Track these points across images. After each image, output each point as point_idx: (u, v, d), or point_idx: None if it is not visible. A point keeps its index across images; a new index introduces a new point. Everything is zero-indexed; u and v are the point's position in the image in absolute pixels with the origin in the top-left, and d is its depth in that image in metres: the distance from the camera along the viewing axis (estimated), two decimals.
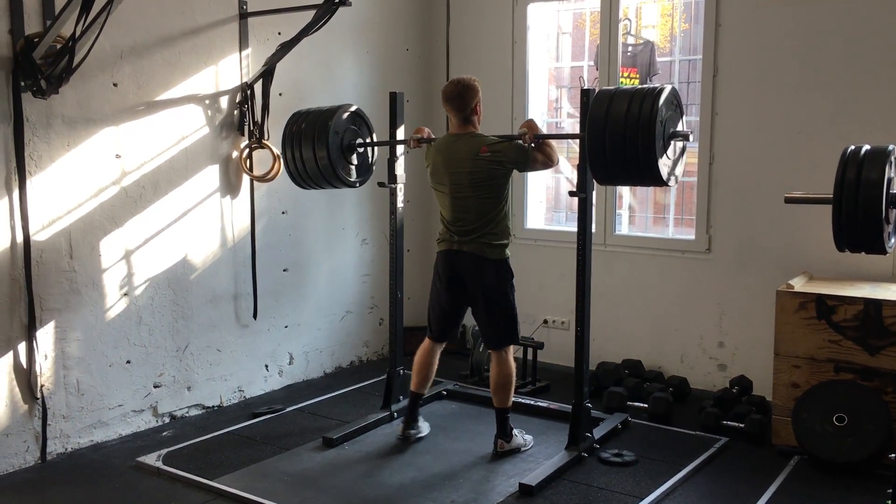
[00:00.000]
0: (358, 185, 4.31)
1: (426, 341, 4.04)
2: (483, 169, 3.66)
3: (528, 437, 3.93)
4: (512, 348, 3.89)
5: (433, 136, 4.05)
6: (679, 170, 3.47)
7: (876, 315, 3.72)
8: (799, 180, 4.31)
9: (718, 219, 4.75)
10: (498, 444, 3.82)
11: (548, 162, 3.77)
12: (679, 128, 3.40)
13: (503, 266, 3.78)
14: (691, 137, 3.41)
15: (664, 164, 3.30)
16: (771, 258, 4.57)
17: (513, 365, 3.84)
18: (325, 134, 4.02)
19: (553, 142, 3.85)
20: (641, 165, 3.25)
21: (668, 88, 3.29)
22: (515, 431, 3.87)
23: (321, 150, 4.02)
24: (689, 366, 4.92)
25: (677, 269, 4.89)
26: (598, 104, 3.34)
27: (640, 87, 3.42)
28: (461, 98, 3.71)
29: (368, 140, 4.26)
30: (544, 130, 5.55)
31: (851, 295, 3.82)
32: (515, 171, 3.83)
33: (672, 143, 3.36)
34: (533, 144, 3.69)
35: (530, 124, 3.75)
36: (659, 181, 3.32)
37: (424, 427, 4.08)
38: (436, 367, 4.06)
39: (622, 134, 3.24)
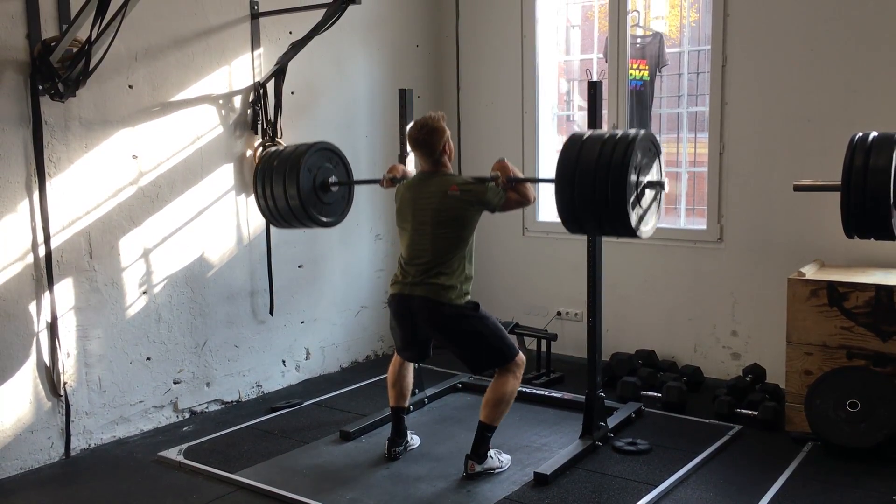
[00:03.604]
0: (332, 224, 4.05)
1: (396, 357, 3.83)
2: (450, 207, 3.46)
3: (505, 458, 3.66)
4: (521, 364, 3.61)
5: (408, 175, 3.84)
6: (652, 222, 3.21)
7: (888, 301, 3.73)
8: (809, 168, 4.31)
9: (730, 208, 4.76)
10: (468, 466, 3.53)
11: (522, 201, 3.59)
12: (654, 175, 3.17)
13: (462, 310, 3.49)
14: (666, 186, 3.19)
15: (636, 215, 3.07)
16: (782, 246, 4.58)
17: (515, 386, 3.55)
18: (296, 172, 3.75)
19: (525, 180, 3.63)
20: (612, 215, 3.02)
21: (642, 134, 3.07)
22: (492, 452, 3.58)
23: (292, 188, 3.76)
24: (702, 355, 4.94)
25: (689, 259, 4.91)
26: (568, 148, 3.13)
27: (613, 132, 3.12)
28: (427, 144, 3.54)
29: (344, 178, 4.02)
30: (554, 124, 5.62)
31: (863, 281, 3.84)
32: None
33: (646, 191, 3.13)
34: (504, 186, 3.52)
35: (503, 165, 3.54)
36: (630, 233, 3.07)
37: (414, 440, 3.90)
38: (411, 377, 3.90)
39: (592, 182, 3.01)
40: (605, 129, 3.15)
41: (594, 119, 3.78)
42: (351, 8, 3.97)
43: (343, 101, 5.14)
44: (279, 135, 4.59)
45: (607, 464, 3.69)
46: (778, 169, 4.54)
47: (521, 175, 3.63)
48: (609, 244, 4.39)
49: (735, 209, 4.75)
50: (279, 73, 4.50)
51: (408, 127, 4.02)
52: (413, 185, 3.66)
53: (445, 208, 3.48)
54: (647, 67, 5.23)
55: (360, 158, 5.27)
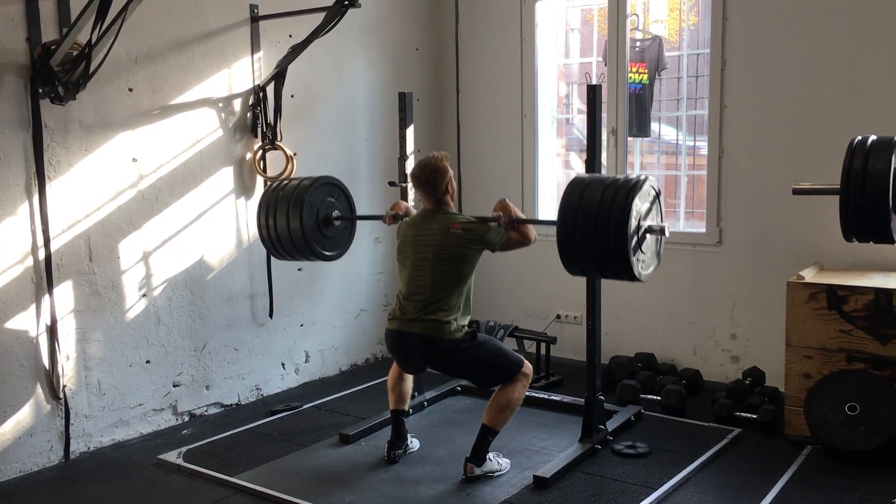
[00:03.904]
0: (335, 258, 4.13)
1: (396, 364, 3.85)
2: (451, 245, 3.50)
3: (505, 461, 3.66)
4: (529, 373, 3.62)
5: (411, 213, 3.90)
6: (652, 267, 3.27)
7: (887, 304, 3.74)
8: (808, 171, 4.33)
9: (729, 211, 4.77)
10: (468, 469, 3.53)
11: (523, 241, 3.63)
12: (655, 220, 3.23)
13: (459, 343, 3.48)
14: (667, 233, 3.22)
15: (638, 260, 3.12)
16: (782, 249, 4.59)
17: (522, 394, 3.58)
18: (299, 207, 3.83)
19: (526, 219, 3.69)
20: (613, 260, 3.08)
21: (645, 179, 3.13)
22: (491, 455, 3.59)
23: (295, 222, 3.83)
24: (701, 358, 4.94)
25: (689, 263, 4.91)
26: (571, 192, 3.18)
27: (616, 176, 3.19)
28: (430, 184, 3.58)
29: (347, 211, 4.11)
30: (554, 127, 5.62)
31: (862, 285, 3.84)
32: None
33: (647, 236, 3.18)
34: (506, 227, 3.57)
35: (504, 206, 3.61)
36: (631, 278, 3.13)
37: (414, 443, 3.90)
38: (411, 381, 3.94)
39: (593, 228, 3.06)
40: (606, 173, 3.18)
41: (594, 123, 3.79)
42: (350, 11, 3.97)
43: (343, 104, 5.15)
44: (279, 138, 4.60)
45: (607, 467, 3.69)
46: (777, 172, 4.55)
47: (522, 216, 3.68)
48: None
49: (734, 212, 4.75)
50: (279, 77, 4.50)
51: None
52: (415, 222, 3.69)
53: (447, 245, 3.51)
54: (646, 71, 5.24)
55: (360, 162, 5.28)
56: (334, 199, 4.05)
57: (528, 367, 3.63)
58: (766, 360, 4.59)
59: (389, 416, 3.89)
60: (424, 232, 3.59)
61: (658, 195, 3.27)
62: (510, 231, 3.59)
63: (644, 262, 3.19)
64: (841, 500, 3.34)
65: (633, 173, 3.13)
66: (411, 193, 4.42)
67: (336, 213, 4.03)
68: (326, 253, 4.04)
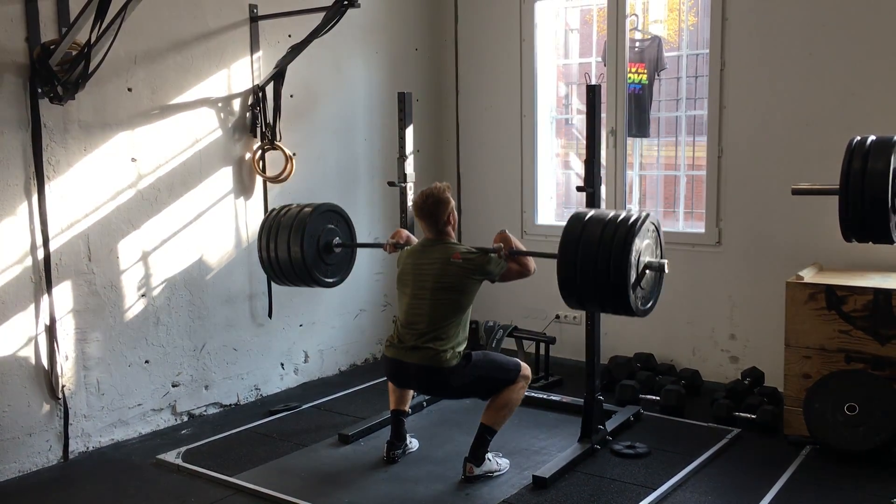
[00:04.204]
0: (336, 284, 4.15)
1: None
2: (452, 274, 3.51)
3: (504, 461, 3.68)
4: (528, 375, 3.65)
5: (411, 241, 3.92)
6: (652, 301, 3.32)
7: (886, 305, 3.74)
8: (807, 172, 4.33)
9: (728, 212, 4.77)
10: (467, 468, 3.55)
11: (523, 272, 3.65)
12: (655, 256, 3.27)
13: (455, 370, 3.48)
14: (667, 268, 3.25)
15: (637, 297, 3.16)
16: (781, 250, 4.59)
17: (521, 395, 3.63)
18: (300, 235, 3.85)
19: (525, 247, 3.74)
20: (612, 295, 3.12)
21: (645, 216, 3.17)
22: (489, 455, 3.60)
23: (296, 248, 3.85)
24: (701, 358, 4.94)
25: (688, 263, 4.91)
26: (571, 226, 3.22)
27: (616, 212, 3.23)
28: (432, 214, 3.60)
29: (347, 238, 4.14)
30: (553, 127, 5.62)
31: (861, 285, 3.84)
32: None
33: (647, 272, 3.21)
34: (506, 258, 3.59)
35: (504, 237, 3.64)
36: (631, 313, 3.19)
37: (413, 443, 3.91)
38: None
39: (593, 265, 3.10)
40: (604, 208, 3.24)
41: (593, 123, 3.80)
42: (350, 11, 3.97)
43: (342, 104, 5.15)
44: (278, 138, 4.59)
45: (606, 467, 3.69)
46: (776, 172, 4.55)
47: (522, 247, 3.69)
48: None
49: (733, 213, 4.75)
50: (278, 77, 4.50)
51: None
52: (416, 251, 3.70)
53: (446, 275, 3.52)
54: (645, 71, 5.24)
55: (359, 162, 5.28)
56: (334, 226, 4.08)
57: (525, 368, 3.65)
58: (766, 361, 4.59)
59: (389, 416, 3.89)
60: (424, 261, 3.61)
61: (658, 230, 3.30)
62: (510, 262, 3.61)
63: (643, 297, 3.24)
64: (840, 500, 3.34)
65: (634, 210, 3.17)
66: (410, 194, 4.43)
67: (337, 241, 4.06)
68: (327, 280, 4.07)
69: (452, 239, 3.69)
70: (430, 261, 3.59)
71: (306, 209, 3.95)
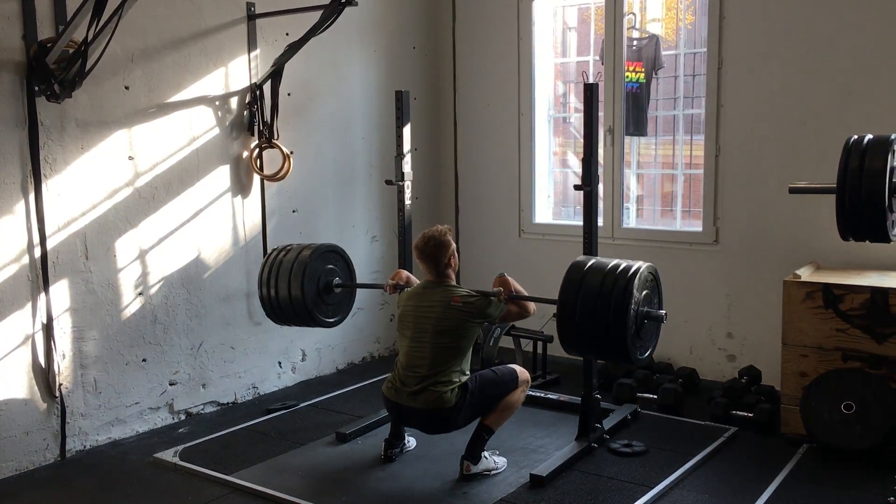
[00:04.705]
0: (336, 324, 4.18)
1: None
2: (452, 318, 3.52)
3: (501, 459, 3.69)
4: (527, 380, 3.68)
5: (412, 282, 3.92)
6: (650, 349, 3.33)
7: (883, 303, 3.74)
8: (805, 171, 4.33)
9: (725, 210, 4.77)
10: (464, 467, 3.56)
11: (523, 313, 3.67)
12: (654, 306, 3.29)
13: (457, 405, 3.47)
14: (665, 319, 3.27)
15: (636, 346, 3.19)
16: (778, 249, 4.59)
17: (522, 398, 3.65)
18: (300, 278, 3.88)
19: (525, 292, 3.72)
20: (611, 345, 3.16)
21: (644, 267, 3.19)
22: (486, 453, 3.61)
23: (296, 290, 3.89)
24: (698, 357, 4.95)
25: (685, 261, 4.92)
26: (572, 273, 3.26)
27: (617, 262, 3.24)
28: (434, 257, 3.62)
29: (347, 277, 4.17)
30: (550, 125, 5.62)
31: (858, 284, 3.84)
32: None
33: (646, 322, 3.23)
34: (506, 301, 3.60)
35: (504, 281, 3.65)
36: (629, 362, 3.25)
37: (411, 442, 3.91)
38: None
39: (592, 315, 3.14)
40: (606, 260, 3.29)
41: (590, 121, 3.79)
42: (348, 10, 3.97)
43: (339, 102, 5.14)
44: (276, 136, 4.59)
45: (603, 465, 3.69)
46: (773, 171, 4.55)
47: (522, 290, 3.70)
48: (605, 245, 4.41)
49: (731, 211, 4.76)
50: (276, 75, 4.50)
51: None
52: (416, 293, 3.71)
53: (446, 318, 3.53)
54: (643, 70, 5.24)
55: (357, 160, 5.28)
56: (334, 266, 4.10)
57: (523, 373, 3.68)
58: (763, 359, 4.60)
59: (387, 415, 3.89)
60: (425, 303, 3.62)
61: (657, 280, 3.33)
62: (510, 305, 3.62)
63: (641, 347, 3.26)
64: (837, 499, 3.35)
65: (634, 263, 3.23)
66: (408, 192, 4.43)
67: (337, 281, 4.09)
68: (328, 320, 4.10)
69: (452, 281, 3.71)
70: (429, 303, 3.60)
71: (305, 251, 3.97)
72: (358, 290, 4.30)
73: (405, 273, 4.03)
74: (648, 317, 3.23)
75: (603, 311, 3.11)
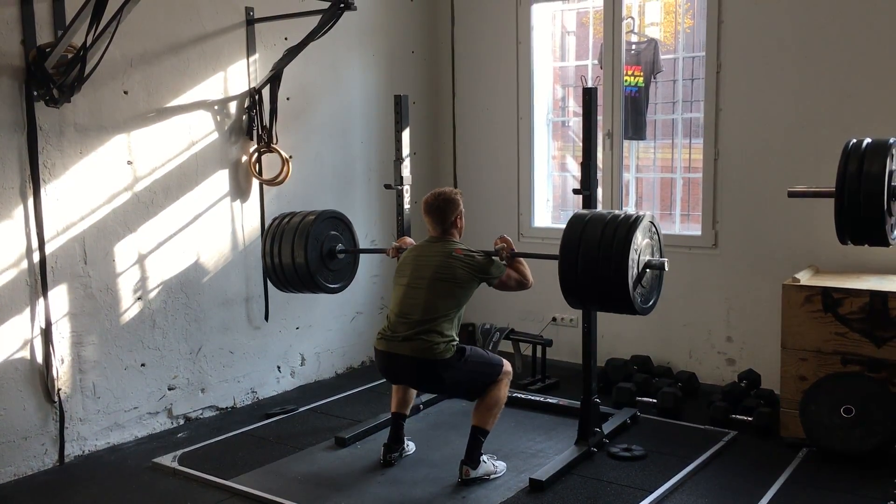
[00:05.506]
0: (339, 290, 4.21)
1: None
2: (451, 267, 3.53)
3: (500, 464, 3.66)
4: (509, 372, 3.66)
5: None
6: (653, 299, 3.38)
7: (882, 307, 3.74)
8: (803, 174, 4.33)
9: (724, 214, 4.77)
10: (463, 471, 3.52)
11: (523, 282, 3.69)
12: (655, 255, 3.33)
13: (448, 363, 3.46)
14: (667, 266, 3.30)
15: (639, 294, 3.23)
16: (777, 252, 4.59)
17: (505, 392, 3.62)
18: (304, 242, 3.91)
19: (527, 262, 3.76)
20: (614, 295, 3.18)
21: (644, 216, 3.23)
22: (485, 457, 3.59)
23: (300, 257, 3.92)
24: (697, 361, 4.94)
25: (684, 265, 4.91)
26: (572, 227, 3.28)
27: (616, 213, 3.30)
28: (441, 212, 3.63)
29: (350, 244, 4.20)
30: (549, 129, 5.62)
31: (857, 287, 3.85)
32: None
33: (647, 272, 3.27)
34: (507, 260, 3.64)
35: (506, 240, 3.70)
36: (632, 311, 3.25)
37: (410, 446, 3.90)
38: None
39: (594, 264, 3.17)
40: (603, 209, 3.35)
41: (589, 125, 3.80)
42: (347, 14, 3.98)
43: (338, 106, 5.15)
44: (274, 140, 4.59)
45: (603, 470, 3.69)
46: (772, 175, 4.56)
47: (524, 265, 3.72)
48: None
49: (730, 215, 4.76)
50: (275, 79, 4.50)
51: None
52: (418, 247, 3.74)
53: (446, 266, 3.55)
54: (641, 73, 5.24)
55: (356, 165, 5.28)
56: (338, 233, 4.13)
57: (506, 364, 3.68)
58: (762, 363, 4.60)
59: (389, 418, 3.89)
60: (425, 254, 3.64)
61: (657, 230, 3.35)
62: (509, 270, 3.64)
63: (644, 295, 3.28)
64: (836, 503, 3.34)
65: (632, 210, 3.25)
66: (407, 196, 4.42)
67: (340, 247, 4.11)
68: (331, 286, 4.12)
69: (456, 239, 3.71)
70: (431, 253, 3.62)
71: (309, 216, 3.99)
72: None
73: (409, 239, 4.05)
74: (650, 265, 3.27)
75: (604, 259, 3.13)
